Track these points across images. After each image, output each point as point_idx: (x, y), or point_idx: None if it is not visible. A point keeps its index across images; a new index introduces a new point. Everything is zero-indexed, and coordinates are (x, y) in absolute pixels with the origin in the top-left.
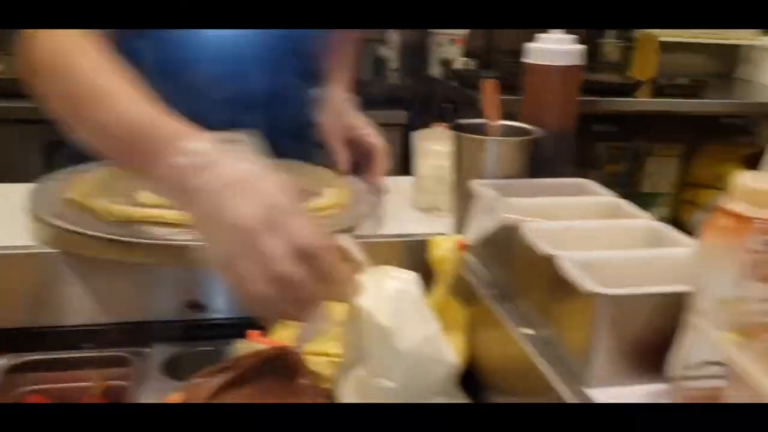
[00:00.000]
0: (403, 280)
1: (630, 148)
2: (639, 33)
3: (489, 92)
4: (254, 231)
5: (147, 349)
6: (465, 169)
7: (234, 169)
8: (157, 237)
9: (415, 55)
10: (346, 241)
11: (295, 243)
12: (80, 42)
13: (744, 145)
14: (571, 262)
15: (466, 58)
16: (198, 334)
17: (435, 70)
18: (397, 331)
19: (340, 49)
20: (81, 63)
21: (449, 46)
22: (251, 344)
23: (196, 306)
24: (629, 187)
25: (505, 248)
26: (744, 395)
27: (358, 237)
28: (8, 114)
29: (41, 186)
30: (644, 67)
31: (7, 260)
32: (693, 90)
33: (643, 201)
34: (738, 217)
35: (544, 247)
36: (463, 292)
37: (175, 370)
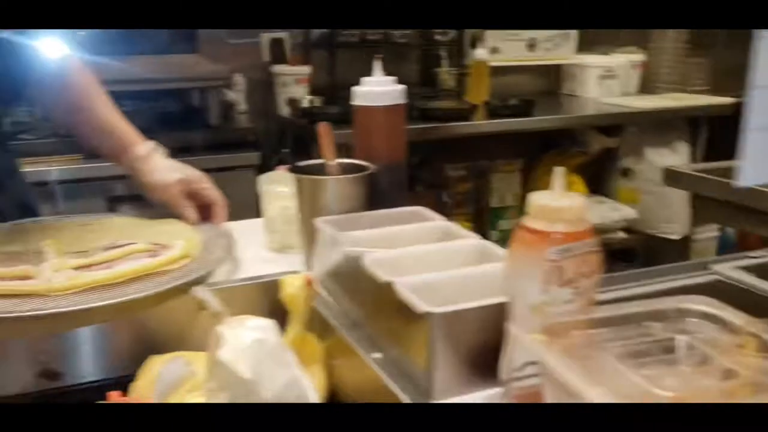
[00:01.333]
0: (261, 328)
1: (474, 168)
2: (472, 60)
3: (324, 134)
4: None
5: None
6: (308, 208)
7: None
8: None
9: (263, 97)
10: (202, 293)
11: None
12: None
13: (576, 154)
14: (407, 286)
15: (311, 96)
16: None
17: (284, 110)
18: (259, 381)
19: (91, 111)
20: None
21: (294, 86)
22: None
23: (52, 375)
24: (479, 203)
25: (350, 279)
26: (555, 389)
27: (213, 285)
28: None
29: None
30: (478, 91)
31: None
32: (523, 108)
33: (493, 215)
34: (536, 232)
35: (383, 274)
36: (318, 325)
37: None
